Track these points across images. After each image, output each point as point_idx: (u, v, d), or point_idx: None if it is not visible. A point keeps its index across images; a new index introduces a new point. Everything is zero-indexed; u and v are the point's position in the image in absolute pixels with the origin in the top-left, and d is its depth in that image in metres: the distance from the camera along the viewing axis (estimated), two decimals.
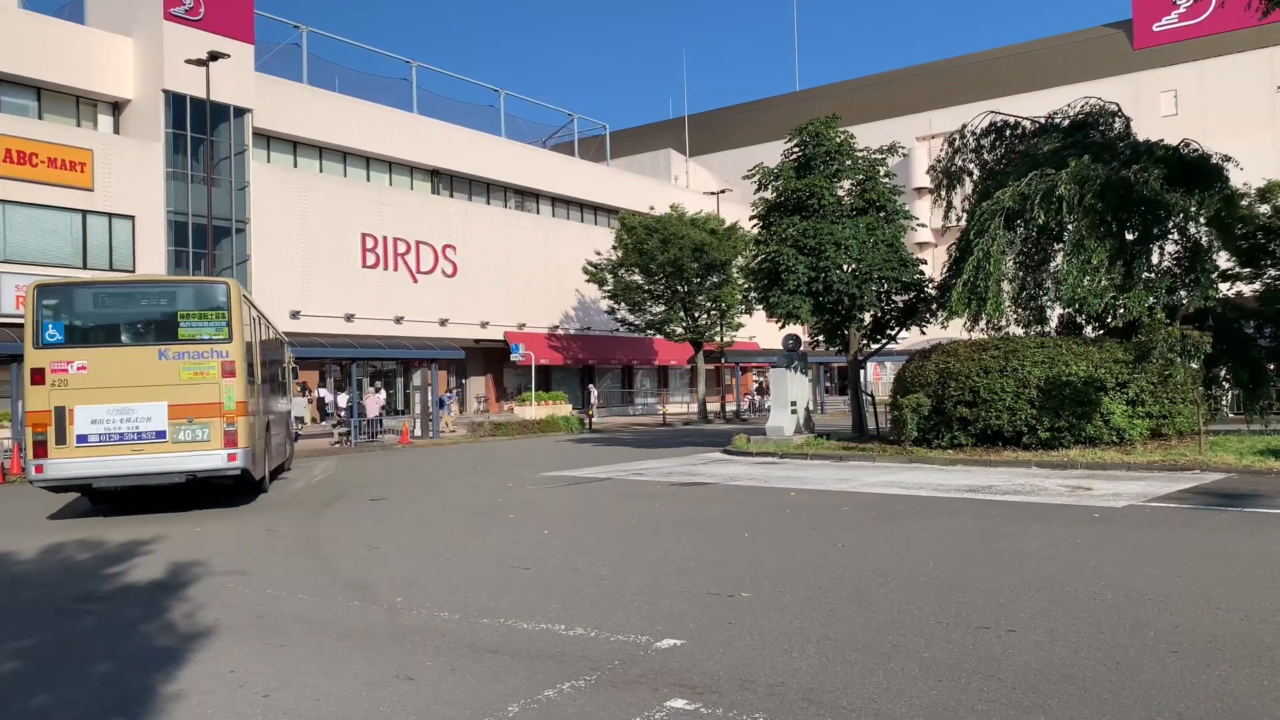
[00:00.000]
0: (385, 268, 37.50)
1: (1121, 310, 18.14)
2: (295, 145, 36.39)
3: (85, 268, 28.11)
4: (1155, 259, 18.81)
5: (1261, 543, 8.37)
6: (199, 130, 30.21)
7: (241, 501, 14.09)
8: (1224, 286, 19.76)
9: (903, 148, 24.24)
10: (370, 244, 36.98)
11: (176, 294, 13.42)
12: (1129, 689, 4.53)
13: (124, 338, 13.14)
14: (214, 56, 26.38)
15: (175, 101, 30.12)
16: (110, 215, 28.85)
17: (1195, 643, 5.27)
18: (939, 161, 22.36)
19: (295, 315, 32.66)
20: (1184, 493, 12.11)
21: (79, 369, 12.58)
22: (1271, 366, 19.07)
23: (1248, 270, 20.14)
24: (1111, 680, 4.67)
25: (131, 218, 29.26)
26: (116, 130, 31.05)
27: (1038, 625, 5.73)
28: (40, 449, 12.27)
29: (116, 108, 31.21)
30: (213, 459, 12.75)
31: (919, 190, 51.29)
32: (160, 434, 12.66)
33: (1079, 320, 19.63)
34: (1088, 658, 5.05)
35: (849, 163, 22.63)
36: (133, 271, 28.99)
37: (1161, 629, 5.57)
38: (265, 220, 32.78)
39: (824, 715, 4.30)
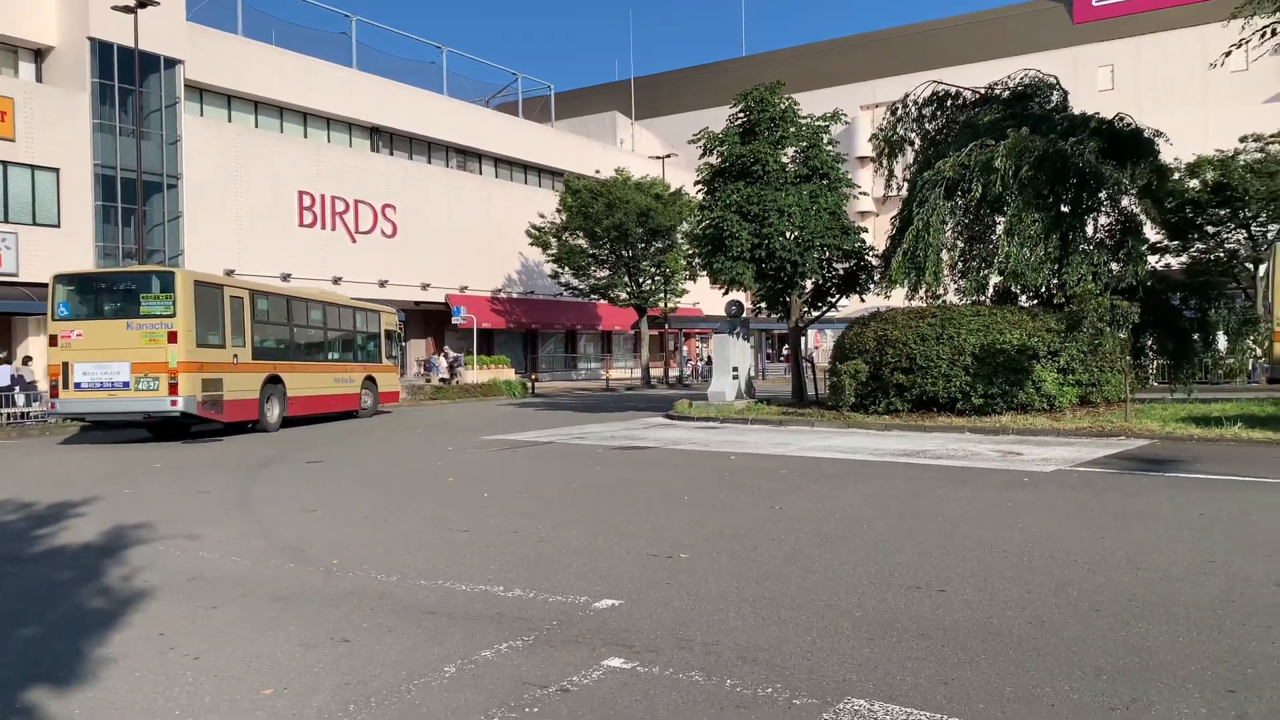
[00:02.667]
0: (323, 227, 36.73)
1: (1056, 282, 18.54)
2: (229, 99, 35.31)
3: (6, 221, 27.08)
4: (1090, 231, 19.23)
5: (1180, 505, 8.68)
6: (127, 81, 29.09)
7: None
8: (1153, 259, 20.28)
9: (846, 116, 24.32)
10: (307, 202, 36.15)
11: (140, 280, 17.72)
12: (1052, 646, 4.68)
13: (106, 312, 17.54)
14: (142, 3, 25.29)
15: (102, 50, 28.95)
16: (33, 167, 27.76)
17: (1116, 601, 5.45)
18: (881, 130, 22.46)
19: (229, 274, 31.89)
20: (1110, 458, 12.49)
21: (77, 335, 17.34)
22: (1196, 337, 19.66)
23: (1175, 243, 20.73)
24: (1036, 638, 4.82)
25: (56, 170, 28.19)
26: (39, 79, 29.78)
27: (967, 585, 5.88)
28: (54, 391, 17.57)
29: (39, 55, 29.92)
30: (160, 403, 17.07)
31: (862, 159, 51.73)
32: (125, 384, 17.11)
33: (1014, 290, 20.02)
34: (1015, 616, 5.20)
35: (793, 130, 22.65)
36: (58, 227, 28.07)
37: (1084, 588, 5.75)
38: (198, 176, 31.83)
39: (759, 672, 4.37)
